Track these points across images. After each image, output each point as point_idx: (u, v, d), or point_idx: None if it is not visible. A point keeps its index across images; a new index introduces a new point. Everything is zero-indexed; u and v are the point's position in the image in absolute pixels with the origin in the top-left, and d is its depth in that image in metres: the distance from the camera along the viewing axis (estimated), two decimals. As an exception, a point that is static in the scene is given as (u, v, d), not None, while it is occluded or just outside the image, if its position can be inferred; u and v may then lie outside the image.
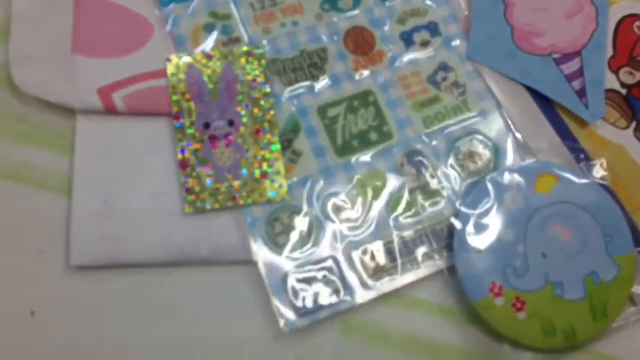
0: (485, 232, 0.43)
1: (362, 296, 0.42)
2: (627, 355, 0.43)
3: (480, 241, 0.42)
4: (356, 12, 0.48)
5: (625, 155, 0.47)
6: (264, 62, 0.45)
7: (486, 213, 0.43)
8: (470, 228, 0.43)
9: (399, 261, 0.43)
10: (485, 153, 0.46)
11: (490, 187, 0.44)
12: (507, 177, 0.44)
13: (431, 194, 0.44)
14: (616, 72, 0.48)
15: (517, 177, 0.44)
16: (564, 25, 0.48)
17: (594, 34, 0.48)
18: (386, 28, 0.48)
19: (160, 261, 0.41)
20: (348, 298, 0.41)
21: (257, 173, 0.43)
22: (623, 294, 0.43)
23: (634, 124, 0.47)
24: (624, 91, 0.48)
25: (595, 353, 0.43)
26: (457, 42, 0.48)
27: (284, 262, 0.42)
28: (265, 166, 0.43)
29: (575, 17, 0.49)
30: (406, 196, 0.44)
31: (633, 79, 0.48)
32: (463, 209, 0.43)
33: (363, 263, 0.42)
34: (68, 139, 0.44)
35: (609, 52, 0.48)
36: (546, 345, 0.42)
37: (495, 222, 0.43)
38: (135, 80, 0.44)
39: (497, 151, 0.46)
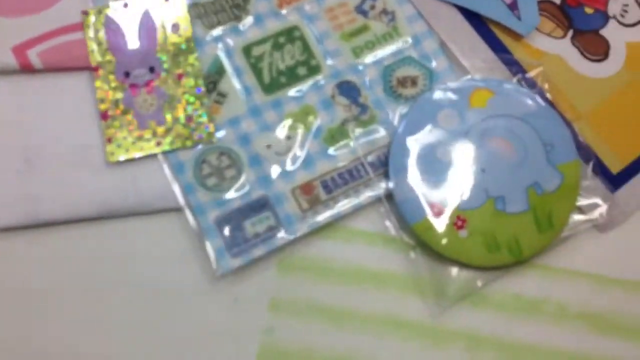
0: (421, 154, 0.40)
1: (297, 230, 0.39)
2: (577, 265, 0.41)
3: (416, 163, 0.40)
4: (277, -52, 0.46)
5: (563, 65, 0.44)
6: (183, 6, 0.43)
7: (421, 134, 0.40)
8: (405, 151, 0.40)
9: (335, 192, 0.40)
10: (419, 77, 0.43)
11: (422, 107, 0.41)
12: (439, 96, 0.42)
13: (365, 123, 0.42)
14: (549, -19, 0.45)
15: (450, 95, 0.41)
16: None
17: (525, -56, 0.45)
18: (309, -38, 0.45)
19: (85, 215, 0.39)
20: (282, 233, 0.39)
21: (182, 117, 0.41)
22: (568, 202, 0.40)
23: (570, 33, 0.45)
24: (558, 0, 0.45)
25: (543, 266, 0.41)
26: (382, -31, 0.46)
27: (214, 203, 0.39)
28: (189, 109, 0.41)
29: None
30: (339, 127, 0.42)
31: (566, -13, 0.45)
32: (398, 133, 0.41)
33: (297, 197, 0.40)
34: (-12, 102, 0.42)
35: (540, -38, 0.46)
36: (490, 261, 0.39)
37: (430, 142, 0.40)
38: (51, 35, 0.42)
39: (431, 74, 0.43)
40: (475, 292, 0.40)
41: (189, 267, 0.39)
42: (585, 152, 0.42)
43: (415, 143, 0.40)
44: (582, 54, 0.44)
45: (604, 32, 0.45)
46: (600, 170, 0.42)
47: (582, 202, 0.41)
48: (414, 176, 0.40)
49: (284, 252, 0.40)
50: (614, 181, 0.42)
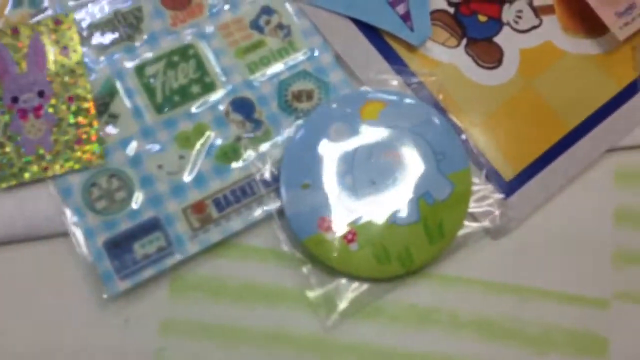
0: (312, 168, 0.40)
1: (188, 249, 0.39)
2: (470, 273, 0.41)
3: (305, 176, 0.40)
4: (171, -34, 0.45)
5: (457, 74, 0.44)
6: (73, 28, 0.43)
7: (311, 149, 0.40)
8: (295, 166, 0.40)
9: (227, 210, 0.40)
10: (315, 90, 0.43)
11: (315, 122, 0.41)
12: (331, 110, 0.42)
13: (259, 139, 0.42)
14: (442, -9, 0.45)
15: (342, 108, 0.41)
16: (384, -49, 0.46)
17: (414, -45, 0.45)
18: (203, -21, 0.45)
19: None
20: (173, 253, 0.39)
21: (71, 140, 0.41)
22: (459, 211, 0.40)
23: (464, 41, 0.45)
24: (451, 10, 0.45)
25: (437, 275, 0.41)
26: (277, -16, 0.46)
27: (103, 227, 0.39)
28: (79, 133, 0.41)
29: (394, -58, 0.46)
30: (232, 144, 0.42)
31: (459, -5, 0.45)
32: (288, 148, 0.41)
33: (188, 217, 0.40)
34: None
35: (433, -28, 0.46)
36: (381, 273, 0.39)
37: (321, 156, 0.40)
38: (-60, 63, 0.41)
39: (327, 87, 0.43)
40: (368, 304, 0.40)
41: (80, 291, 0.39)
42: (478, 160, 0.42)
43: (305, 158, 0.40)
44: (475, 62, 0.44)
45: (497, 39, 0.45)
46: (494, 177, 0.42)
47: (475, 209, 0.41)
48: (303, 191, 0.40)
49: (177, 271, 0.40)
50: (507, 188, 0.42)
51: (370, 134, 0.41)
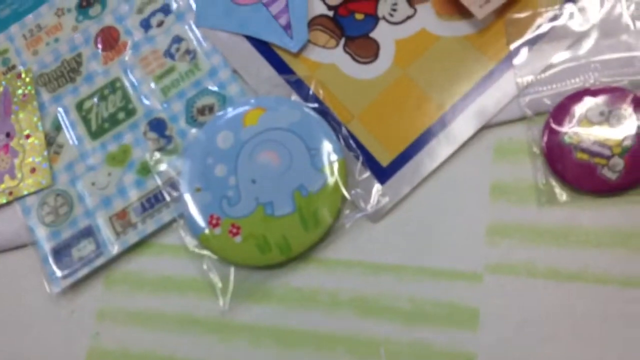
0: (201, 173, 0.46)
1: (112, 250, 0.47)
2: (351, 255, 0.44)
3: (198, 181, 0.46)
4: (104, 14, 0.54)
5: (337, 72, 0.47)
6: (29, 78, 0.53)
7: (201, 157, 0.46)
8: (187, 173, 0.46)
9: (142, 215, 0.47)
10: (215, 104, 0.49)
11: (206, 132, 0.47)
12: (219, 120, 0.47)
13: (170, 152, 0.49)
14: (322, -3, 0.49)
15: (227, 118, 0.47)
16: (270, -31, 0.50)
17: (296, -32, 0.49)
18: (128, 21, 0.53)
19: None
20: (102, 254, 0.47)
21: (28, 169, 0.50)
22: (333, 199, 0.44)
23: (342, 40, 0.48)
24: (330, 13, 0.48)
25: (320, 259, 0.44)
26: (187, 15, 0.52)
27: (50, 236, 0.48)
28: (34, 163, 0.50)
29: (279, -41, 0.50)
30: (148, 159, 0.49)
31: (337, -1, 0.48)
32: (184, 157, 0.47)
33: (113, 223, 0.48)
34: None
35: (314, -19, 0.49)
36: (263, 260, 0.44)
37: (209, 163, 0.46)
38: (-61, 119, 0.54)
39: (225, 100, 0.49)
40: (257, 289, 0.45)
41: (36, 289, 0.48)
42: (357, 150, 0.45)
43: (197, 165, 0.46)
44: (353, 58, 0.47)
45: (374, 34, 0.47)
46: (372, 164, 0.45)
47: (355, 196, 0.44)
48: (195, 195, 0.46)
49: (109, 269, 0.48)
50: (384, 173, 0.44)
51: (251, 138, 0.46)
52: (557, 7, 0.43)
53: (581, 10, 0.43)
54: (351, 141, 0.45)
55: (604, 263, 0.40)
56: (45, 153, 0.51)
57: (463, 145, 0.44)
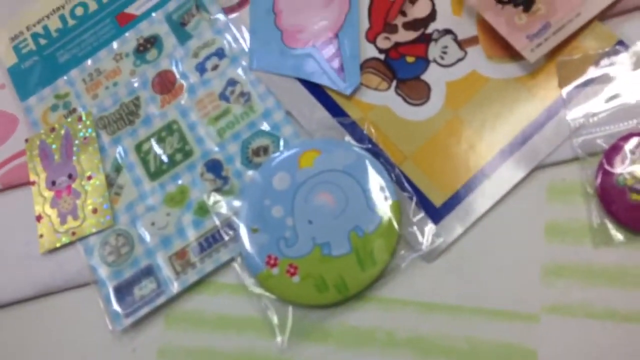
0: (259, 214, 0.47)
1: (173, 289, 0.49)
2: (406, 295, 0.45)
3: (256, 221, 0.47)
4: (160, 59, 0.56)
5: (389, 114, 0.48)
6: (90, 121, 0.55)
7: (259, 198, 0.48)
8: (246, 214, 0.48)
9: (201, 255, 0.49)
10: (270, 145, 0.51)
11: (262, 174, 0.49)
12: (275, 162, 0.49)
13: (227, 192, 0.50)
14: (373, 41, 0.50)
15: (282, 160, 0.48)
16: (322, 14, 0.52)
17: (347, 14, 0.51)
18: (184, 65, 0.55)
19: (25, 297, 0.52)
20: (163, 292, 0.49)
21: (90, 210, 0.53)
22: (389, 239, 0.45)
23: (394, 83, 0.49)
24: (382, 56, 0.50)
25: (376, 298, 0.46)
26: (241, 58, 0.54)
27: (112, 276, 0.50)
28: (95, 203, 0.53)
29: (331, 5, 0.52)
30: (206, 199, 0.50)
31: (389, 42, 0.50)
32: (243, 199, 0.49)
33: (173, 263, 0.50)
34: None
35: (365, 26, 0.51)
36: (321, 300, 0.45)
37: (266, 204, 0.47)
38: (7, 162, 0.56)
39: (279, 141, 0.51)
40: (315, 328, 0.46)
41: (97, 327, 0.50)
42: (410, 190, 0.46)
43: (255, 206, 0.48)
44: (405, 100, 0.48)
45: (425, 76, 0.48)
46: (425, 205, 0.46)
47: (409, 235, 0.45)
48: (253, 235, 0.47)
49: (170, 307, 0.50)
50: (437, 214, 0.45)
51: (307, 179, 0.47)
52: (607, 49, 0.44)
53: (632, 52, 0.44)
54: (404, 182, 0.46)
55: (662, 304, 0.40)
56: (106, 194, 0.53)
57: (516, 185, 0.45)
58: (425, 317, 0.44)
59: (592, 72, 0.44)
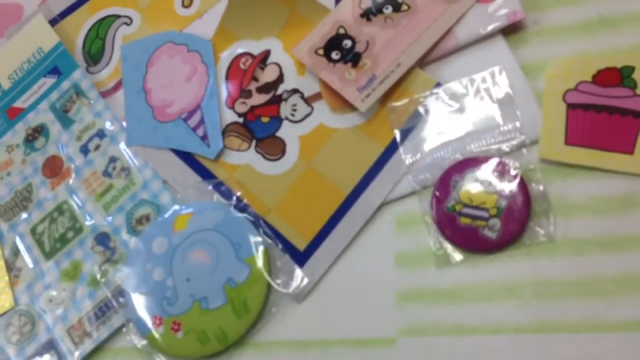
0: (141, 279, 0.51)
1: (73, 359, 0.52)
2: (282, 335, 0.49)
3: (141, 286, 0.51)
4: (48, 145, 0.60)
5: (252, 171, 0.53)
6: (-13, 213, 0.59)
7: (140, 264, 0.52)
8: (129, 281, 0.51)
9: (96, 323, 0.53)
10: (151, 213, 0.55)
11: (142, 241, 0.53)
12: (152, 229, 0.53)
13: (115, 262, 0.54)
14: (232, 107, 0.55)
15: (159, 225, 0.53)
16: (185, 89, 0.57)
17: (207, 86, 0.56)
18: (69, 148, 0.59)
19: None
20: (63, 365, 0.52)
21: (-8, 295, 0.56)
22: (259, 286, 0.49)
23: (253, 142, 0.54)
24: (241, 119, 0.55)
25: (254, 343, 0.49)
26: (119, 136, 0.58)
27: (17, 354, 0.53)
28: (-3, 288, 0.56)
29: (192, 79, 0.57)
30: (96, 272, 0.54)
31: (246, 106, 0.55)
32: (127, 266, 0.52)
33: (71, 334, 0.53)
34: None
35: (224, 94, 0.56)
36: (204, 352, 0.49)
37: (148, 267, 0.51)
38: None
39: (159, 209, 0.55)
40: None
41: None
42: (276, 239, 0.50)
43: (138, 271, 0.52)
44: (264, 157, 0.53)
45: (279, 133, 0.53)
46: (291, 250, 0.50)
47: (278, 281, 0.50)
48: (138, 299, 0.51)
49: (72, 378, 0.53)
50: (302, 257, 0.50)
51: (182, 241, 0.51)
52: (427, 92, 0.50)
53: (450, 92, 0.50)
54: (270, 232, 0.51)
55: (499, 315, 0.45)
56: (7, 278, 0.56)
57: (367, 223, 0.49)
58: (300, 355, 0.48)
59: (417, 113, 0.50)
